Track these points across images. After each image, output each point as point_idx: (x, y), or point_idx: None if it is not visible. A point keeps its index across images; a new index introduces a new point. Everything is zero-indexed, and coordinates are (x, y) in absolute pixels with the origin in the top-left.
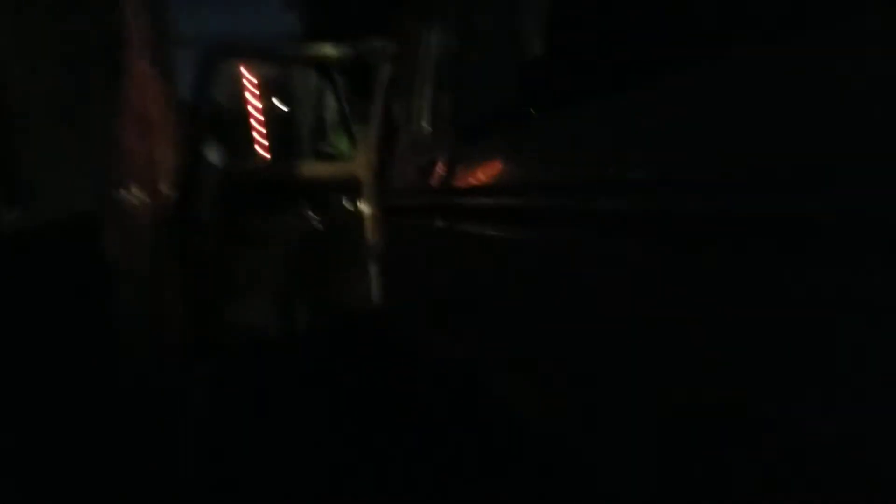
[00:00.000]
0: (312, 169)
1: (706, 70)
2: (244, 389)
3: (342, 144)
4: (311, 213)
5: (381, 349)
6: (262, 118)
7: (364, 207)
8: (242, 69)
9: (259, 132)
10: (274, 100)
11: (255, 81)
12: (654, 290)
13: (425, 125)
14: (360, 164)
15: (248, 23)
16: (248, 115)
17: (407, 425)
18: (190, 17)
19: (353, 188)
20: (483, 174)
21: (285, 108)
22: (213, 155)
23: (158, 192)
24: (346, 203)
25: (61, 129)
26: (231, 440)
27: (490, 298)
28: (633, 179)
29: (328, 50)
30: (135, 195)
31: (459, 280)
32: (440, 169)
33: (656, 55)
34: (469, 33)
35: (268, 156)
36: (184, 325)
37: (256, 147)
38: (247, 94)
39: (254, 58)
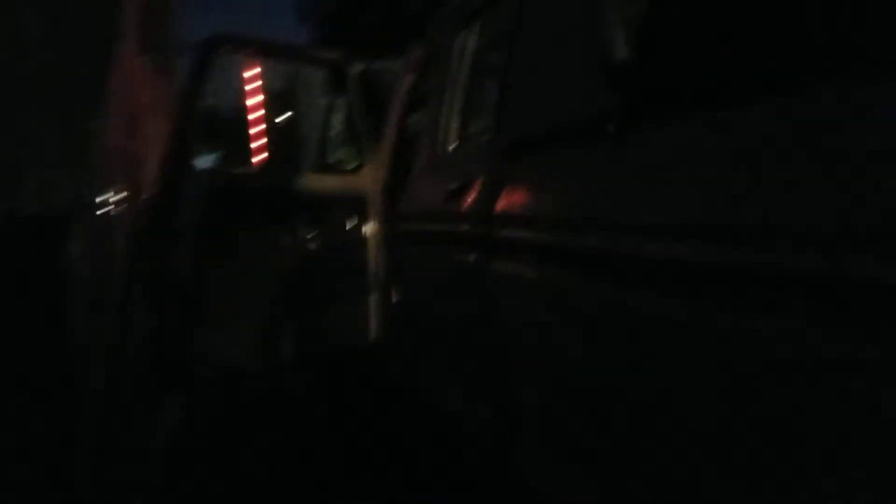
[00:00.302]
0: (312, 181)
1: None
2: (217, 428)
3: (348, 156)
4: (307, 231)
5: (377, 394)
6: (260, 121)
7: (369, 228)
8: (243, 67)
9: (256, 137)
10: (276, 103)
11: (255, 80)
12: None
13: (452, 142)
14: (367, 179)
15: (260, 34)
16: (245, 117)
17: (405, 484)
18: (200, 27)
19: (357, 205)
20: (538, 202)
21: (288, 113)
22: (203, 159)
23: (140, 197)
24: (348, 222)
25: (46, 122)
26: (199, 484)
27: (532, 355)
28: (745, 224)
29: (339, 55)
30: (114, 198)
31: (491, 328)
32: (476, 193)
33: (772, 59)
34: (521, 41)
35: (263, 163)
36: (151, 351)
37: (252, 153)
38: (246, 94)
39: (256, 54)
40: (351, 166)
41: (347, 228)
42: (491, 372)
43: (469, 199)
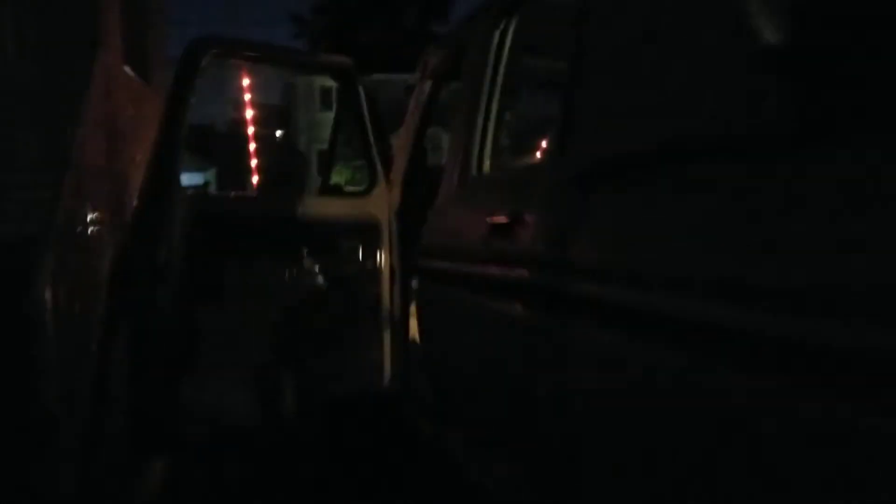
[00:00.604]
0: (316, 204)
1: None
2: (206, 496)
3: (356, 177)
4: (309, 263)
5: (393, 448)
6: (255, 137)
7: (381, 259)
8: (236, 75)
9: (252, 155)
10: (273, 119)
11: (250, 91)
12: None
13: (490, 162)
14: (378, 202)
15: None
16: (241, 132)
17: None
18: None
19: (367, 233)
20: (623, 249)
21: (283, 131)
22: (193, 179)
23: (122, 223)
24: (357, 252)
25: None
26: None
27: (611, 446)
28: None
29: (347, 61)
30: (91, 223)
31: (550, 401)
32: (532, 230)
33: None
34: (596, 31)
35: (261, 185)
36: (132, 405)
37: (249, 173)
38: (240, 108)
39: (250, 59)
40: (359, 188)
41: (356, 259)
42: (552, 457)
43: (522, 238)
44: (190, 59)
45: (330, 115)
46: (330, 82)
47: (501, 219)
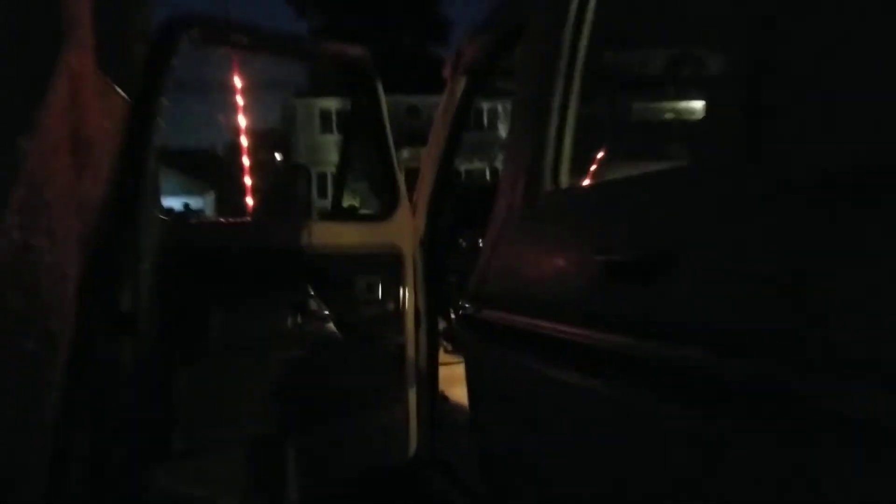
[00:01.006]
0: (324, 232)
1: None
2: None
3: (373, 196)
4: (316, 306)
5: None
6: (251, 154)
7: (405, 299)
8: (224, 64)
9: (246, 171)
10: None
11: (246, 113)
12: None
13: (579, 175)
14: (400, 228)
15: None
16: (239, 156)
17: None
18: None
19: (388, 266)
20: None
21: (288, 152)
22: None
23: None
24: (376, 291)
25: None
26: None
27: None
28: None
29: (362, 51)
30: (46, 254)
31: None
32: (701, 270)
33: None
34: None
35: (256, 208)
36: (86, 497)
37: (241, 192)
38: (238, 129)
39: (243, 45)
40: (375, 211)
41: (374, 300)
42: None
43: (677, 287)
44: (164, 43)
45: (330, 139)
46: (330, 104)
47: (619, 256)
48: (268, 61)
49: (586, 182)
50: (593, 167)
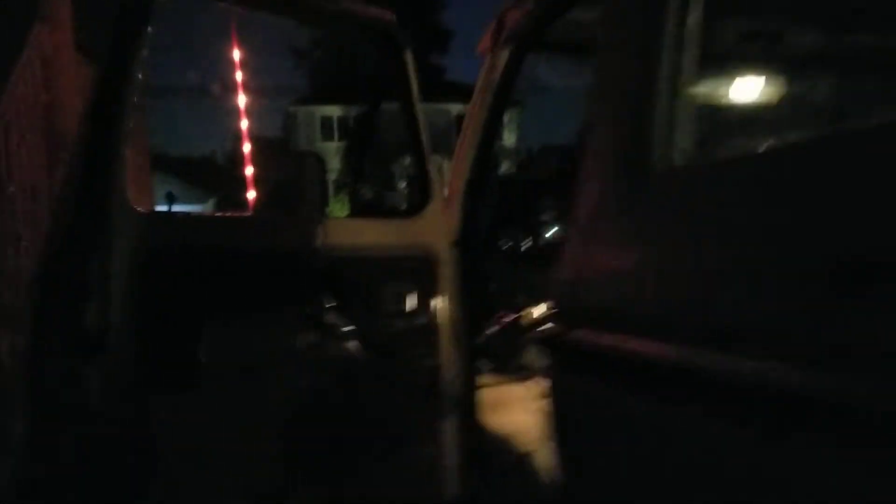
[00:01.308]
0: (342, 230)
1: None
2: None
3: (402, 185)
4: (333, 319)
5: None
6: (253, 140)
7: (439, 310)
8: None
9: (248, 158)
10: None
11: (239, 60)
12: None
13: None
14: (432, 226)
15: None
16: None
17: None
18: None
19: (419, 272)
20: None
21: (296, 129)
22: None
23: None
24: (404, 301)
25: None
26: None
27: None
28: None
29: (388, 15)
30: (9, 259)
31: None
32: None
33: None
34: None
35: (259, 201)
36: None
37: (242, 185)
38: (240, 135)
39: (241, 0)
40: (403, 206)
41: (403, 312)
42: None
43: None
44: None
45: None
46: (331, 111)
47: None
48: (269, 65)
49: (715, 159)
50: (734, 140)
